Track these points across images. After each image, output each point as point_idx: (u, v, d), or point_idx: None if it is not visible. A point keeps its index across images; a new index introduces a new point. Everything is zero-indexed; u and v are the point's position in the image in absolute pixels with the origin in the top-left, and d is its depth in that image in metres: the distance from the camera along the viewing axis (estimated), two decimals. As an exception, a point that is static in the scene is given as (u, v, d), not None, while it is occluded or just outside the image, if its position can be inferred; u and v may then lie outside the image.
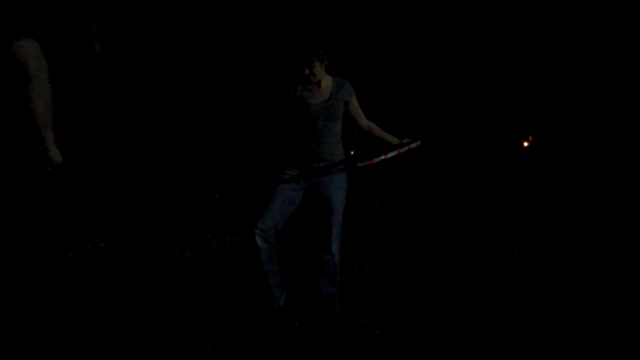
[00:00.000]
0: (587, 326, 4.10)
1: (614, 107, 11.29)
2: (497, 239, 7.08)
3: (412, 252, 6.35)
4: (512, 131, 12.71)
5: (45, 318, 4.12)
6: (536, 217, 8.42)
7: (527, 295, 4.85)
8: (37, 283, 4.98)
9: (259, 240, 4.22)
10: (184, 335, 3.86)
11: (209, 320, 4.17)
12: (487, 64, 12.06)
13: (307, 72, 4.14)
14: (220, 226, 7.84)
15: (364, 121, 4.40)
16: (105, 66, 11.56)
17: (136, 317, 4.17)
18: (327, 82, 4.25)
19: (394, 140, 4.33)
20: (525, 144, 12.75)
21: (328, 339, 3.84)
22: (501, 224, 8.12)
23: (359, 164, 4.15)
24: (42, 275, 5.29)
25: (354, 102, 4.33)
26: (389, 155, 4.20)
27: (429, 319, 4.19)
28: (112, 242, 6.71)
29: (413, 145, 4.21)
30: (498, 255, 6.24)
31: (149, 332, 3.88)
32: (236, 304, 4.56)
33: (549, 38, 11.47)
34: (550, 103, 12.05)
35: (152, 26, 11.56)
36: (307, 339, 3.84)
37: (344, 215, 4.32)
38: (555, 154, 12.02)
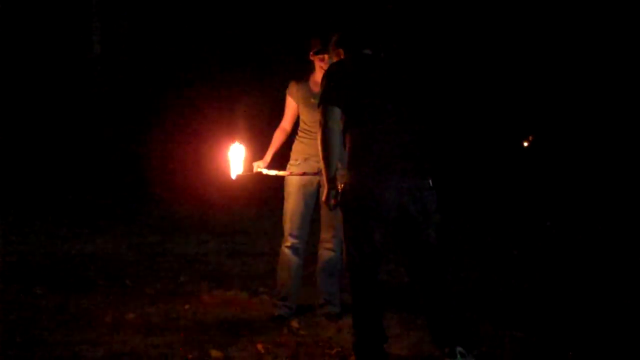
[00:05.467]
0: (587, 325, 4.10)
1: (614, 107, 11.29)
2: (497, 239, 7.07)
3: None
4: (512, 131, 12.69)
5: (46, 317, 4.12)
6: (536, 217, 8.42)
7: (527, 294, 4.85)
8: (37, 283, 4.98)
9: (291, 254, 4.24)
10: (183, 334, 3.86)
11: (208, 320, 4.17)
12: (487, 64, 12.05)
13: (321, 62, 4.11)
14: (220, 226, 7.83)
15: None
16: (105, 66, 11.56)
17: (136, 317, 4.17)
18: None
19: None
20: (525, 144, 12.74)
21: (328, 339, 3.84)
22: (501, 224, 8.11)
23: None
24: (42, 275, 5.29)
25: None
26: None
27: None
28: (112, 242, 6.70)
29: None
30: (498, 255, 6.24)
31: (149, 332, 3.88)
32: (236, 304, 4.56)
33: (549, 38, 11.47)
34: (550, 103, 12.04)
35: (152, 26, 11.56)
36: (307, 339, 3.84)
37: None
38: (555, 154, 12.02)
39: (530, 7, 11.36)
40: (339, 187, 3.37)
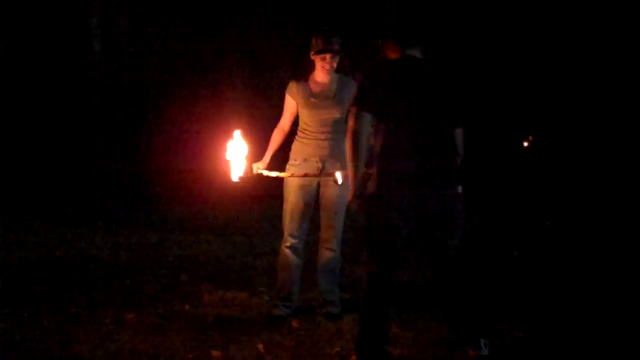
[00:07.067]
0: (587, 325, 4.10)
1: (614, 107, 11.29)
2: (497, 239, 7.07)
3: (411, 252, 6.34)
4: (512, 131, 12.68)
5: (46, 317, 4.12)
6: (536, 217, 8.42)
7: (527, 294, 4.85)
8: (37, 283, 4.98)
9: (291, 254, 4.24)
10: (183, 334, 3.85)
11: (208, 320, 4.17)
12: (487, 63, 12.05)
13: (324, 61, 4.13)
14: (220, 226, 7.83)
15: None
16: (105, 66, 11.56)
17: (136, 317, 4.17)
18: (333, 77, 4.25)
19: None
20: (525, 144, 12.74)
21: (328, 339, 3.84)
22: (501, 224, 8.11)
23: (342, 173, 4.11)
24: (42, 275, 5.29)
25: None
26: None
27: (429, 319, 4.18)
28: (112, 242, 6.71)
29: None
30: (498, 255, 6.24)
31: (149, 332, 3.88)
32: (236, 304, 4.56)
33: (549, 38, 11.47)
34: (550, 103, 12.04)
35: (152, 26, 11.56)
36: (307, 339, 3.84)
37: (344, 216, 4.32)
38: (555, 154, 12.02)
39: (530, 7, 11.36)
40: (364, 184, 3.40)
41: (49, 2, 11.10)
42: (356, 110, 3.33)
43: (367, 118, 3.31)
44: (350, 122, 3.34)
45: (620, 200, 9.28)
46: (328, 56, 4.14)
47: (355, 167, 3.34)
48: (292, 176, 4.20)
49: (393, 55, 3.46)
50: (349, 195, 3.43)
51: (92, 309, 4.31)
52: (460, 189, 3.43)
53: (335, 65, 4.18)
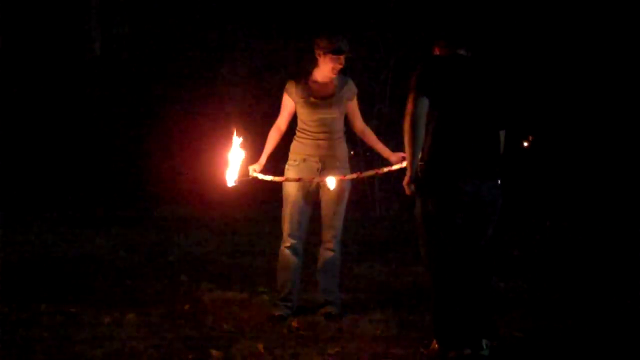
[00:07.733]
0: (587, 325, 4.10)
1: (614, 107, 11.29)
2: (497, 239, 7.07)
3: (411, 252, 6.34)
4: (513, 131, 12.67)
5: (46, 317, 4.12)
6: (536, 217, 8.42)
7: (526, 295, 4.86)
8: (37, 283, 4.98)
9: (291, 254, 4.24)
10: (183, 334, 3.86)
11: (208, 320, 4.17)
12: (487, 62, 12.02)
13: (337, 62, 4.14)
14: (220, 226, 7.84)
15: (360, 124, 4.38)
16: (105, 66, 11.56)
17: (136, 317, 4.17)
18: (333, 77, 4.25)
19: (385, 151, 4.30)
20: (525, 144, 12.73)
21: (328, 339, 3.84)
22: (501, 224, 8.10)
23: (336, 178, 4.11)
24: (42, 275, 5.29)
25: (355, 102, 4.32)
26: (365, 174, 4.33)
27: (428, 319, 4.18)
28: (112, 242, 6.71)
29: (394, 167, 4.16)
30: (498, 255, 6.24)
31: (149, 332, 3.88)
32: (236, 304, 4.56)
33: (549, 37, 11.47)
34: (550, 103, 12.04)
35: (152, 26, 11.56)
36: (307, 339, 3.84)
37: (344, 216, 4.32)
38: (555, 154, 12.01)
39: (529, 7, 11.36)
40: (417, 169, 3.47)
41: (48, 2, 11.10)
42: (415, 94, 3.41)
43: (426, 102, 3.40)
44: (409, 106, 3.42)
45: (620, 200, 9.27)
46: (342, 57, 4.16)
47: (413, 151, 3.42)
48: (287, 180, 4.20)
49: (444, 53, 3.59)
50: (405, 179, 3.49)
51: (92, 309, 4.31)
52: (499, 182, 3.56)
53: (342, 64, 4.20)
